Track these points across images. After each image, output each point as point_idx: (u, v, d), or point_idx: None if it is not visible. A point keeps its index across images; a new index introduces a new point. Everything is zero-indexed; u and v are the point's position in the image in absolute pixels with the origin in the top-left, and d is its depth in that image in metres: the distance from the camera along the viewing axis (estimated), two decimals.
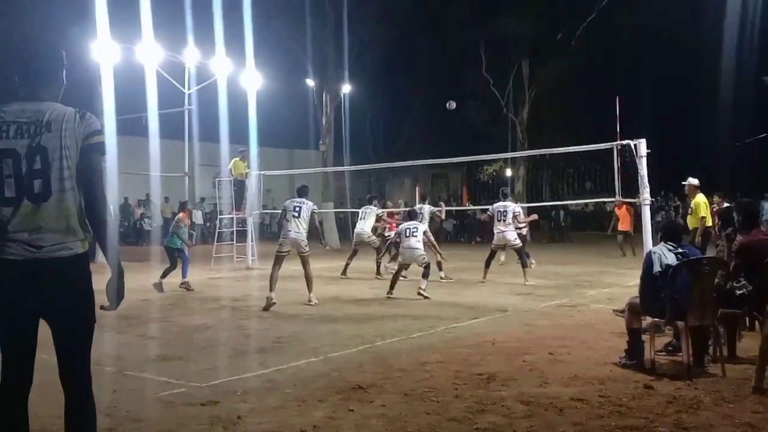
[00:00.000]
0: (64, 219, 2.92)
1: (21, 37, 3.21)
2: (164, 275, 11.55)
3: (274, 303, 9.39)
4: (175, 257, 11.84)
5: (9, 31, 26.30)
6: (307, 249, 10.02)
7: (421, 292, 10.41)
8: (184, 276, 11.88)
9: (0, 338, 3.12)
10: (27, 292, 2.94)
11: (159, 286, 11.33)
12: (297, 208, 10.07)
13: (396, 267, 11.45)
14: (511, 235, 12.37)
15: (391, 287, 10.73)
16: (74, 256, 2.96)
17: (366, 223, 13.80)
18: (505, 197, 12.95)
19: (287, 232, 9.97)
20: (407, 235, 11.00)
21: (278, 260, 9.91)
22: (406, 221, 11.45)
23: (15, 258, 2.88)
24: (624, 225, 16.44)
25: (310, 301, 9.92)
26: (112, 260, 3.09)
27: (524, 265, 12.43)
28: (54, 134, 2.89)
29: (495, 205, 12.80)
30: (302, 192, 10.58)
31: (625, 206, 15.35)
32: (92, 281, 3.09)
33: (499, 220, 12.44)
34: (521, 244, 12.66)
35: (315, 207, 10.42)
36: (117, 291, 3.12)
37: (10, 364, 3.13)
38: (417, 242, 10.83)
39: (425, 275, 10.68)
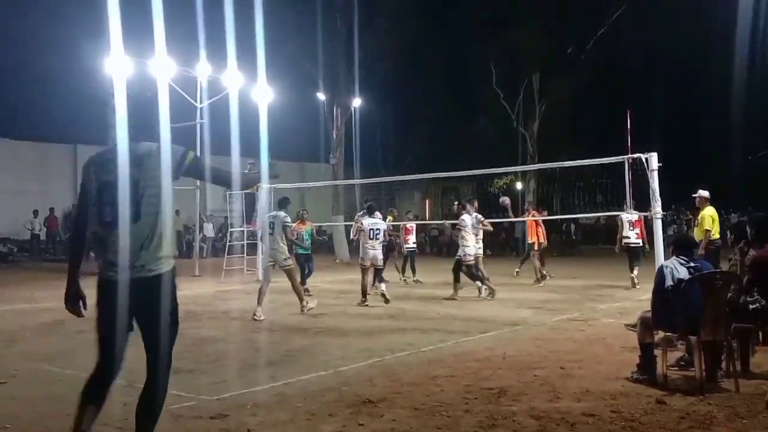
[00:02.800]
0: (151, 240, 3.47)
1: (130, 91, 3.99)
2: (302, 282, 11.86)
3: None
4: (302, 263, 12.41)
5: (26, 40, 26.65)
6: (287, 262, 10.35)
7: (385, 293, 11.24)
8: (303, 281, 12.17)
9: (106, 338, 3.82)
10: (125, 304, 3.57)
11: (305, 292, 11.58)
12: (270, 224, 10.54)
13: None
14: (379, 254, 11.78)
15: (364, 294, 11.29)
16: (165, 272, 3.52)
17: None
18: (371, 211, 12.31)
19: (267, 249, 10.63)
20: (371, 236, 11.52)
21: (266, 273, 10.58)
22: (367, 220, 11.84)
23: (112, 277, 3.60)
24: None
25: (302, 309, 10.27)
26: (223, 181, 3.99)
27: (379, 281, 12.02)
28: (142, 168, 3.52)
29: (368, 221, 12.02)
30: (280, 204, 10.96)
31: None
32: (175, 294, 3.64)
33: (371, 238, 11.68)
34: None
35: (287, 218, 10.58)
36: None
37: (109, 358, 3.87)
38: (379, 245, 11.54)
39: (381, 279, 11.65)
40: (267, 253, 10.60)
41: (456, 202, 13.30)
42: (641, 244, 13.91)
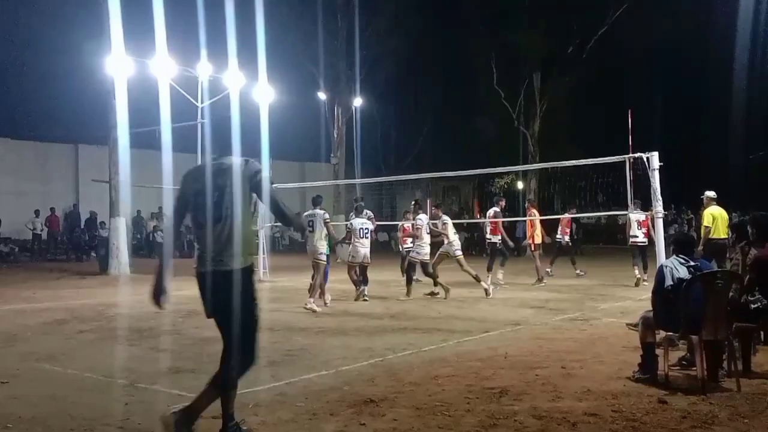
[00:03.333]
0: (229, 240, 4.04)
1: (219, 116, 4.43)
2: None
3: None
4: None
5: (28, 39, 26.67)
6: (322, 257, 10.80)
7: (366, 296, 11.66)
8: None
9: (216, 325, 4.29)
10: (211, 294, 4.18)
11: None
12: (310, 222, 10.88)
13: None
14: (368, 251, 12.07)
15: (357, 285, 11.81)
16: (244, 268, 4.10)
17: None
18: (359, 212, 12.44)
19: (307, 245, 11.20)
20: (361, 235, 11.81)
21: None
22: (356, 220, 12.09)
23: (201, 270, 4.17)
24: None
25: (305, 304, 10.49)
26: (290, 222, 4.44)
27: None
28: (229, 177, 4.08)
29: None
30: (314, 202, 11.24)
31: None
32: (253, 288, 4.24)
33: (361, 237, 11.95)
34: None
35: (326, 215, 11.00)
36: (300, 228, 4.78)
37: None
38: (368, 243, 11.88)
39: (366, 281, 11.94)
40: (310, 250, 11.01)
41: (413, 201, 13.33)
42: (647, 243, 14.00)
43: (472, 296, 12.28)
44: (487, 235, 14.29)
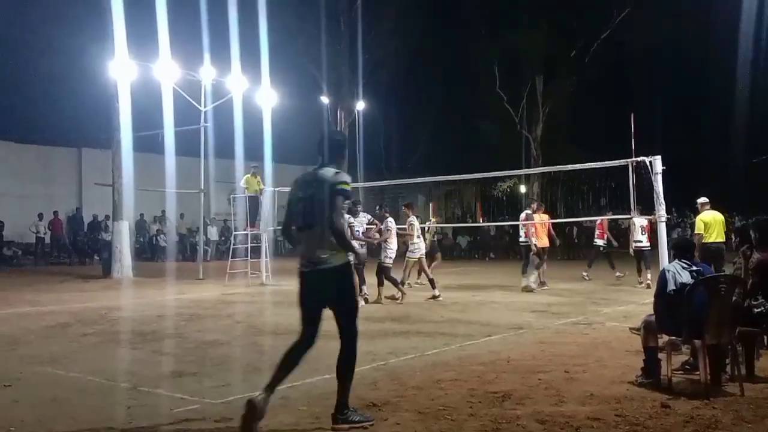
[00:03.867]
0: (325, 241, 4.53)
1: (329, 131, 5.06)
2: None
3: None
4: None
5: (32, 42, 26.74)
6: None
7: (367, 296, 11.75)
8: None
9: (303, 316, 4.70)
10: (312, 289, 4.65)
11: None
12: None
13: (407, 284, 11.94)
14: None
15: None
16: (337, 265, 4.57)
17: None
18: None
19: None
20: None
21: None
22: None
23: (301, 269, 4.66)
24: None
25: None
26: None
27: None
28: (320, 185, 4.58)
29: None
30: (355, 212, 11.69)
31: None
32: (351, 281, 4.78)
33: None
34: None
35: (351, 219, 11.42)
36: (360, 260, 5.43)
37: (306, 331, 4.69)
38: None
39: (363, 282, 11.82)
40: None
41: (378, 206, 13.43)
42: (650, 248, 14.27)
43: (474, 300, 12.28)
44: (521, 238, 14.34)
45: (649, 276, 14.03)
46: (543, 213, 15.74)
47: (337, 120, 27.99)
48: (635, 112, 16.95)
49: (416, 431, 4.50)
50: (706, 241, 11.63)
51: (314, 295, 4.64)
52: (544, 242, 15.03)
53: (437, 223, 16.90)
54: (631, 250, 14.98)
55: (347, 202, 4.71)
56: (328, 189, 4.54)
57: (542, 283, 14.46)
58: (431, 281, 12.66)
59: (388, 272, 12.19)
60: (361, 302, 11.56)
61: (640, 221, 14.07)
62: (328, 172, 4.66)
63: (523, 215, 14.45)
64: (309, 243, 4.62)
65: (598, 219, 16.64)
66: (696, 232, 11.78)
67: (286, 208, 4.92)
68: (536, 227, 15.18)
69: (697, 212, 12.64)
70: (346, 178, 4.63)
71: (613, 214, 18.01)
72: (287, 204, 4.88)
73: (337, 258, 4.57)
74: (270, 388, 4.52)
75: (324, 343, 7.90)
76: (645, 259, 14.45)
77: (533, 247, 14.10)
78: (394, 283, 12.32)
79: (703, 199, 12.21)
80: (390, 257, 12.27)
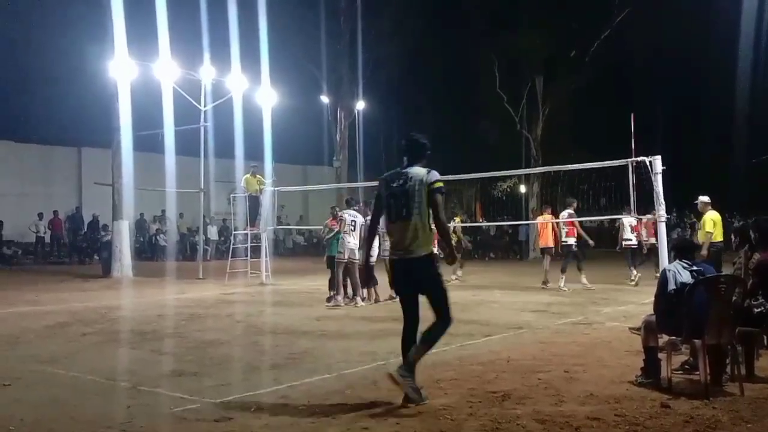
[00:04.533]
0: (415, 232, 5.01)
1: (415, 135, 5.45)
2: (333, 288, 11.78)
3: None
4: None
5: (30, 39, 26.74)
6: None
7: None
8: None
9: (402, 301, 5.30)
10: (405, 276, 5.20)
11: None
12: (353, 223, 11.59)
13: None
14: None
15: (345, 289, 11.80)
16: (426, 254, 5.07)
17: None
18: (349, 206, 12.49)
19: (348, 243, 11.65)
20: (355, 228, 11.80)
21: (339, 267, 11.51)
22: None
23: (394, 257, 5.19)
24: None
25: (355, 303, 11.42)
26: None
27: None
28: (413, 183, 5.03)
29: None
30: (349, 203, 12.07)
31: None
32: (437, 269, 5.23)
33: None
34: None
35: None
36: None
37: (407, 313, 5.28)
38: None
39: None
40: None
41: (331, 207, 13.29)
42: (639, 246, 15.17)
43: (474, 300, 12.27)
44: (563, 238, 14.40)
45: (634, 272, 14.60)
46: (549, 213, 15.77)
47: (337, 120, 27.97)
48: (635, 113, 16.96)
49: (416, 431, 4.49)
50: (713, 240, 11.66)
51: (405, 280, 5.19)
52: (549, 242, 15.06)
53: (461, 222, 16.86)
54: (618, 248, 15.25)
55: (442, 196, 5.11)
56: (425, 187, 5.01)
57: (545, 282, 14.48)
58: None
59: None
60: (360, 302, 11.58)
61: (628, 220, 14.45)
62: (420, 171, 5.12)
63: (565, 214, 14.36)
64: (401, 234, 5.06)
65: (597, 219, 16.61)
66: (707, 230, 11.67)
67: (375, 203, 5.42)
68: (541, 227, 15.26)
69: (696, 211, 12.71)
70: (439, 177, 5.09)
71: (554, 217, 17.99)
72: (376, 199, 5.36)
73: (425, 248, 5.07)
74: (410, 370, 5.05)
75: (324, 342, 7.94)
76: (634, 257, 14.95)
77: (574, 247, 14.26)
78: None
79: (706, 198, 12.14)
80: (385, 257, 12.07)
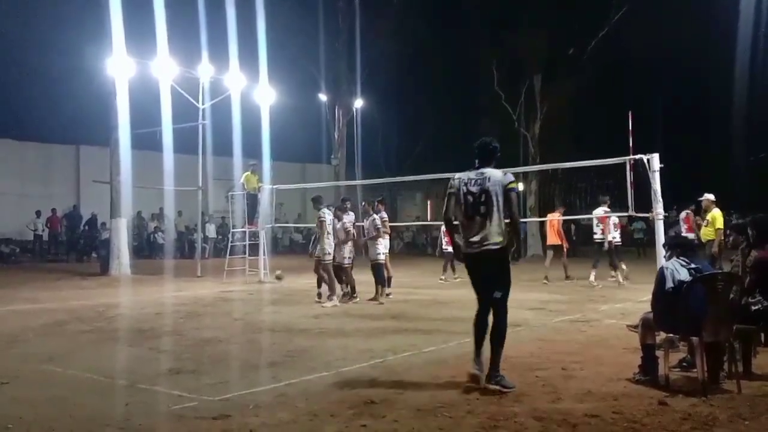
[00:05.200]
0: (496, 228, 5.49)
1: (486, 138, 5.86)
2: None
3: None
4: None
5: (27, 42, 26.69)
6: (381, 258, 11.99)
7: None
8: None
9: (475, 289, 5.71)
10: (478, 268, 5.64)
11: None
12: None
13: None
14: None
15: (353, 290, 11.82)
16: (499, 248, 5.51)
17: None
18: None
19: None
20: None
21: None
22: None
23: (470, 251, 5.59)
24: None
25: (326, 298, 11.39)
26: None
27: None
28: (491, 183, 5.50)
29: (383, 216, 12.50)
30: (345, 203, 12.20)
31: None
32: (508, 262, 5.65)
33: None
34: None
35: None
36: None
37: (482, 300, 5.66)
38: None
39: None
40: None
41: (363, 201, 13.20)
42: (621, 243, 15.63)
43: (473, 298, 12.25)
44: (598, 235, 14.55)
45: (616, 271, 14.76)
46: (560, 212, 15.90)
47: (336, 118, 27.96)
48: (633, 111, 16.96)
49: (414, 428, 4.50)
50: (713, 238, 11.94)
51: (481, 271, 5.61)
52: (555, 240, 15.52)
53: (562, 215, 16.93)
54: (605, 246, 15.32)
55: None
56: (502, 187, 5.49)
57: (546, 278, 14.80)
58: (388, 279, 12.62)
59: (380, 270, 12.02)
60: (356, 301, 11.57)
61: (613, 218, 14.74)
62: (497, 172, 5.61)
63: (600, 211, 14.41)
64: (480, 229, 5.50)
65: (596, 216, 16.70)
66: (718, 227, 11.89)
67: (448, 201, 5.74)
68: (550, 224, 15.40)
69: (699, 209, 12.91)
70: (513, 178, 5.61)
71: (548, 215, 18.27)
72: (450, 197, 5.71)
73: (501, 242, 5.51)
74: (478, 356, 5.45)
75: (322, 340, 7.95)
76: (618, 254, 15.19)
77: (606, 244, 14.37)
78: (385, 281, 12.24)
79: (711, 196, 12.44)
80: (382, 253, 12.03)
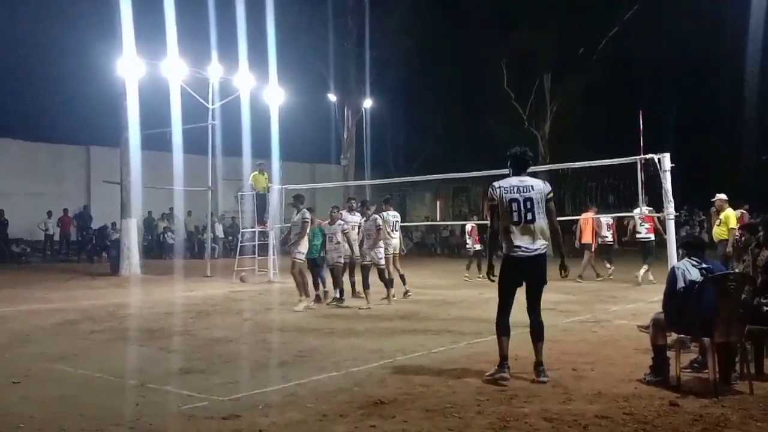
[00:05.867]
0: (541, 233, 5.83)
1: (517, 151, 6.16)
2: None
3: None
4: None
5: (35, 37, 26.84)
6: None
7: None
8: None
9: (509, 293, 5.99)
10: (524, 271, 5.89)
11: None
12: (395, 224, 12.48)
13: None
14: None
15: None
16: (545, 252, 5.85)
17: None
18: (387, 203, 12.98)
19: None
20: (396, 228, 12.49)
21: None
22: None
23: (519, 255, 5.83)
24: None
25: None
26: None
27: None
28: (535, 192, 5.85)
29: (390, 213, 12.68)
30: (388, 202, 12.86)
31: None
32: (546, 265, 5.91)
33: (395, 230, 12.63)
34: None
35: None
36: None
37: (510, 305, 6.00)
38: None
39: (325, 284, 11.99)
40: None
41: (360, 202, 12.99)
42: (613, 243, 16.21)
43: (482, 298, 12.25)
44: (643, 233, 14.62)
45: (608, 268, 15.77)
46: (593, 211, 16.01)
47: (345, 118, 27.97)
48: (644, 110, 16.89)
49: (423, 429, 4.49)
50: (725, 238, 11.90)
51: (524, 275, 5.89)
52: (590, 239, 15.85)
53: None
54: (595, 244, 15.92)
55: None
56: (544, 195, 5.87)
57: (580, 277, 15.21)
58: (402, 277, 12.65)
59: (382, 273, 11.60)
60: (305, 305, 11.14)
61: (606, 219, 15.37)
62: (539, 182, 5.99)
63: (645, 210, 14.43)
64: (527, 235, 5.81)
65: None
66: (731, 226, 11.85)
67: (492, 213, 6.00)
68: (584, 223, 15.83)
69: (707, 209, 12.98)
70: (551, 188, 6.01)
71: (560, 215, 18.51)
72: (498, 203, 5.91)
73: (545, 247, 5.87)
74: (504, 359, 5.86)
75: (331, 340, 7.95)
76: (610, 254, 15.93)
77: (594, 246, 15.07)
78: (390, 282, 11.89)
79: (724, 196, 12.43)
80: (382, 256, 11.52)
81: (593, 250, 15.90)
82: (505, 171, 6.22)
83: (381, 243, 11.46)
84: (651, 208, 14.21)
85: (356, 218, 12.17)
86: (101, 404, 5.22)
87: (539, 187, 5.91)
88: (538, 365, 5.82)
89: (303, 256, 11.24)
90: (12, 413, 4.94)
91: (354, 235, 11.85)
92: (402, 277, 12.56)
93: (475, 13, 29.31)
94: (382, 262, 11.51)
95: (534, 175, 6.26)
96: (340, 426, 4.57)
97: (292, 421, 4.69)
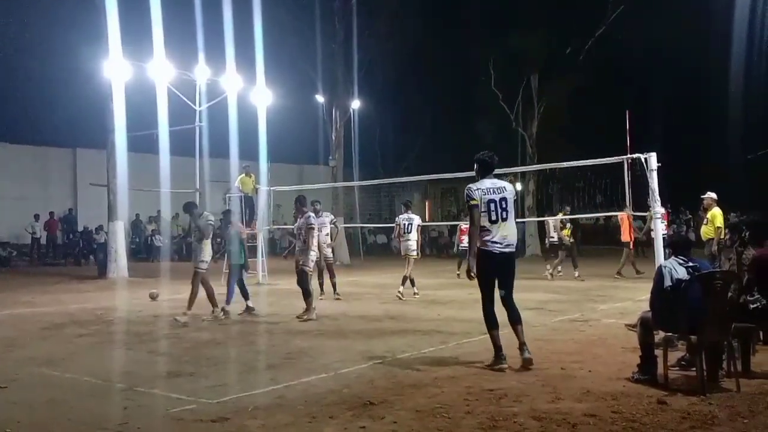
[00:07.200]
0: (513, 231, 6.38)
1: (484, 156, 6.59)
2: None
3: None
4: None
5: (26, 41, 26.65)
6: (413, 254, 12.82)
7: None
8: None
9: (489, 284, 6.45)
10: (500, 265, 6.36)
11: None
12: (408, 225, 12.66)
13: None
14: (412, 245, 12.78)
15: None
16: (516, 250, 6.49)
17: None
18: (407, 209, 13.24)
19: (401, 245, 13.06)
20: (408, 230, 12.61)
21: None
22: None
23: (495, 250, 6.28)
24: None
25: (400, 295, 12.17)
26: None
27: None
28: (507, 192, 6.38)
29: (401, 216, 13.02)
30: (407, 206, 13.21)
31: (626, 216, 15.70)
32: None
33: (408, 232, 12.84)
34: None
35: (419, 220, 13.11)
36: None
37: (492, 294, 6.46)
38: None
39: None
40: (403, 249, 12.94)
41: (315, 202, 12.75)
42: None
43: (471, 298, 12.25)
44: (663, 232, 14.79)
45: (555, 267, 16.22)
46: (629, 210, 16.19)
47: (333, 119, 27.87)
48: (631, 110, 17.02)
49: (413, 429, 4.49)
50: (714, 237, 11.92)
51: (501, 268, 6.35)
52: (628, 237, 16.17)
53: (565, 214, 17.04)
54: (564, 242, 16.48)
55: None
56: (512, 195, 6.41)
57: (618, 273, 15.76)
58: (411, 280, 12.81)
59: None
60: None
61: (553, 220, 16.25)
62: (508, 184, 6.52)
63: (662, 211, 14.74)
64: (505, 232, 6.29)
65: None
66: (718, 225, 11.89)
67: (472, 213, 6.31)
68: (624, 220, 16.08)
69: (693, 207, 13.01)
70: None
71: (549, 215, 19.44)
72: (473, 209, 6.29)
73: (515, 243, 6.45)
74: (499, 350, 6.30)
75: (320, 342, 7.94)
76: (558, 254, 16.47)
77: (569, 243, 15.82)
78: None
79: (713, 195, 12.47)
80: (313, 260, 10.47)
81: (631, 247, 16.29)
82: (494, 171, 6.41)
83: (313, 245, 10.34)
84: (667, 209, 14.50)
85: (324, 219, 12.50)
86: (89, 408, 5.19)
87: (510, 188, 6.47)
88: (522, 345, 6.30)
89: (206, 266, 10.43)
90: None
91: (323, 237, 12.15)
92: (411, 280, 12.69)
93: (463, 14, 29.35)
94: (309, 267, 10.30)
95: (522, 175, 6.50)
96: (329, 427, 4.56)
97: (281, 424, 4.68)
